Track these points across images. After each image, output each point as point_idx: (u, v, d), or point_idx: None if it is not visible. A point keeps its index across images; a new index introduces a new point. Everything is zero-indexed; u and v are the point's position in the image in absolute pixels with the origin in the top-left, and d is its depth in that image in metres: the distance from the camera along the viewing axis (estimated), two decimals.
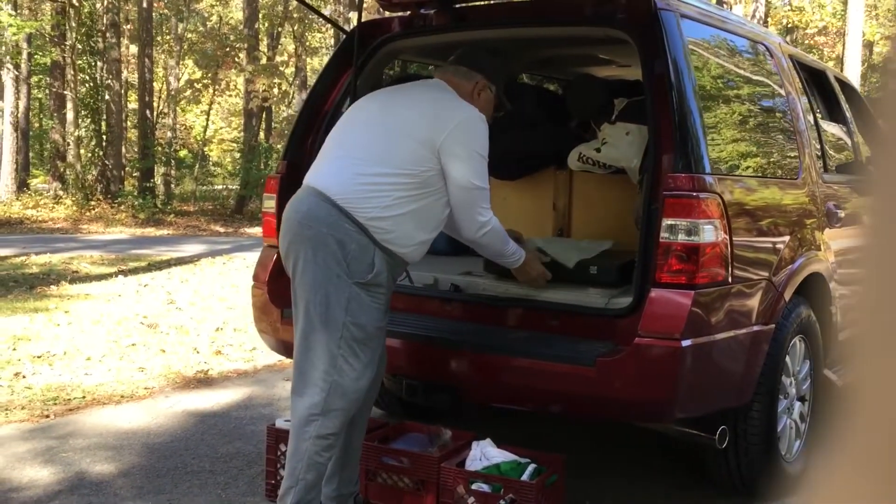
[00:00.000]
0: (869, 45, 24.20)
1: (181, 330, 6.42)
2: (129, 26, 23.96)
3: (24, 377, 4.92)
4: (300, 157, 3.68)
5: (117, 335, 6.11)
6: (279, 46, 26.76)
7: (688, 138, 2.91)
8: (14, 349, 5.56)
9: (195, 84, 26.01)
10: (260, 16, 23.24)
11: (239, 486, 3.42)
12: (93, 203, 18.30)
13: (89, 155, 19.08)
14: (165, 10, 24.22)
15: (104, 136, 19.39)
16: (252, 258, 7.33)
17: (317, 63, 27.09)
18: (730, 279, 2.93)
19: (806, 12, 21.34)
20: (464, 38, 3.68)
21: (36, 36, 21.98)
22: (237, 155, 26.83)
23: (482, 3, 3.83)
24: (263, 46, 24.65)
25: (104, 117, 19.57)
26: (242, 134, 24.90)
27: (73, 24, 19.07)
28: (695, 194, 2.82)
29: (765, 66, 3.80)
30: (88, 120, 19.10)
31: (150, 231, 16.36)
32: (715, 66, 3.48)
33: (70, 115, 20.39)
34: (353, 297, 2.67)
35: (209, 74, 24.63)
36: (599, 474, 3.63)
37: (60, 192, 19.27)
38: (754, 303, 3.09)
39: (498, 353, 3.06)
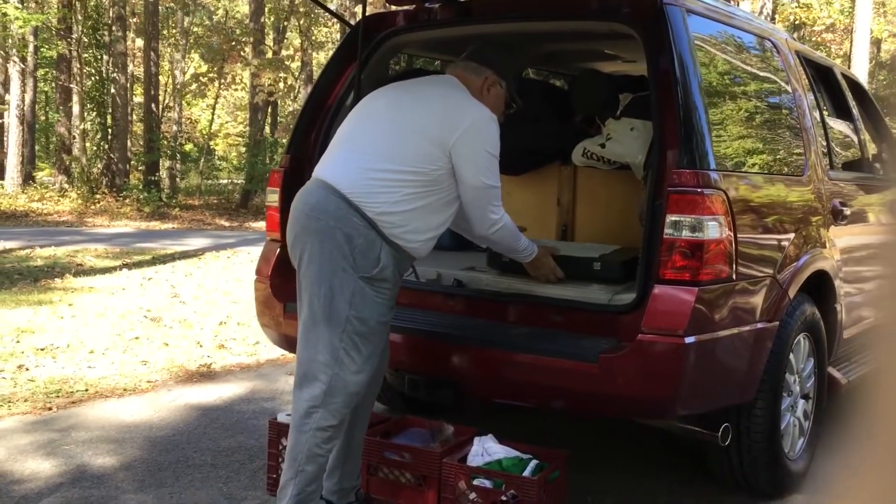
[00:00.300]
0: (877, 43, 24.10)
1: (185, 324, 6.43)
2: (135, 20, 24.02)
3: (27, 369, 4.93)
4: (303, 152, 3.67)
5: (121, 328, 6.12)
6: (285, 40, 26.78)
7: (693, 134, 2.89)
8: (18, 342, 5.57)
9: (201, 78, 26.06)
10: (266, 10, 23.23)
11: (241, 480, 3.42)
12: (98, 196, 18.36)
13: (95, 148, 19.12)
14: (171, 4, 24.26)
15: (110, 130, 19.44)
16: (256, 252, 7.33)
17: (322, 57, 27.08)
18: (734, 276, 2.91)
19: (814, 9, 21.23)
20: (468, 33, 3.66)
21: (42, 29, 22.03)
22: (242, 149, 26.88)
23: None
24: (269, 40, 24.68)
25: (110, 111, 19.62)
26: (248, 128, 24.93)
27: (80, 18, 19.09)
28: (699, 190, 2.81)
29: (771, 63, 3.78)
30: (94, 113, 19.13)
31: (155, 224, 16.40)
32: (721, 62, 3.46)
33: (76, 109, 20.44)
34: (358, 291, 2.66)
35: (215, 68, 24.67)
36: (602, 470, 3.62)
37: (66, 186, 19.32)
38: (758, 300, 3.07)
39: (500, 348, 3.05)
